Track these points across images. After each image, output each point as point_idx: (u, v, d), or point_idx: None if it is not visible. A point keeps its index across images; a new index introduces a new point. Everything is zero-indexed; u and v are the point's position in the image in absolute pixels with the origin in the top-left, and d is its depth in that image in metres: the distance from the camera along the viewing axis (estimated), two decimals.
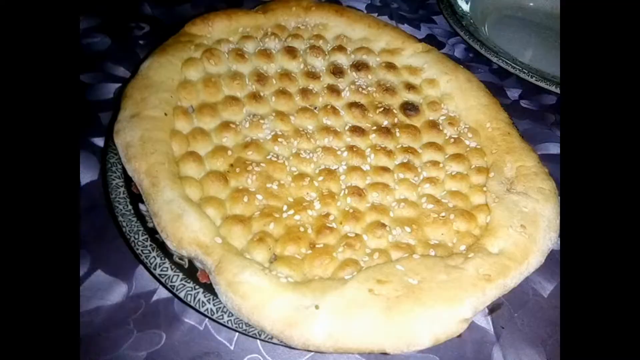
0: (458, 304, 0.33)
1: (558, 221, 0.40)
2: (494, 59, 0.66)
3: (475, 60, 0.75)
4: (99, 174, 0.49)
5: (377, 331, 0.31)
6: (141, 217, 0.38)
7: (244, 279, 0.32)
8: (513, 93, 0.71)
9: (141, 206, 0.39)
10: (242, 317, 0.31)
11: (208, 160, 0.44)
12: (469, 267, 0.36)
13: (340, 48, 0.58)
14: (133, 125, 0.41)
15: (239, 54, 0.53)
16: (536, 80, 0.62)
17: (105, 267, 0.41)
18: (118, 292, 0.40)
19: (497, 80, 0.72)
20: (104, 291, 0.40)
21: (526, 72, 0.63)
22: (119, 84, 0.59)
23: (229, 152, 0.45)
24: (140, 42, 0.66)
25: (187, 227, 0.35)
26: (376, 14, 0.82)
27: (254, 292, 0.32)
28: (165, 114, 0.44)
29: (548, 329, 0.43)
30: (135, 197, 0.39)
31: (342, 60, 0.57)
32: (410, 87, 0.55)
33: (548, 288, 0.46)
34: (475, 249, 0.38)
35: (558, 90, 0.64)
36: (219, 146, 0.45)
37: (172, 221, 0.35)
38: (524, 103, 0.70)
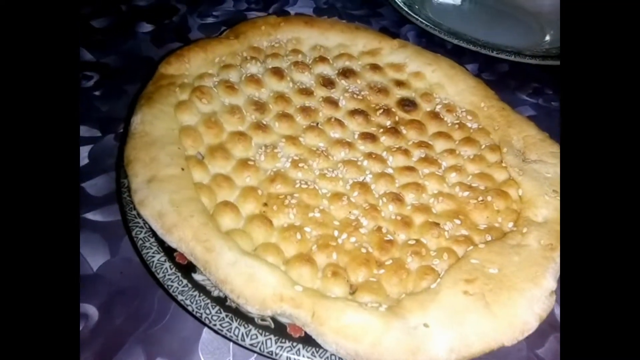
0: (542, 278, 0.35)
1: None
2: (455, 41, 0.69)
3: (430, 44, 0.79)
4: (110, 252, 0.43)
5: (490, 329, 0.31)
6: (201, 289, 0.34)
7: (349, 321, 0.31)
8: (473, 69, 0.76)
9: (195, 276, 0.35)
10: (359, 359, 0.30)
11: (240, 205, 0.41)
12: (530, 242, 0.38)
13: (322, 59, 0.57)
14: (155, 191, 0.37)
15: (229, 86, 0.49)
16: (497, 53, 0.68)
17: (163, 353, 0.37)
18: None
19: (455, 59, 0.77)
20: None
21: (486, 48, 0.68)
22: (90, 145, 0.52)
23: (259, 192, 0.42)
24: (96, 93, 0.59)
25: (266, 285, 0.32)
26: (326, 17, 0.82)
27: (364, 331, 0.30)
28: (182, 169, 0.40)
29: None
30: (184, 268, 0.35)
31: (327, 70, 0.57)
32: (399, 83, 0.56)
33: None
34: (523, 223, 0.41)
35: (512, 58, 0.70)
36: (245, 188, 0.42)
37: (247, 283, 0.32)
38: (485, 76, 0.75)
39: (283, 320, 0.33)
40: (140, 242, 0.36)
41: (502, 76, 0.75)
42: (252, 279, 0.32)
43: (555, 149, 0.47)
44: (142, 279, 0.41)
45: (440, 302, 0.33)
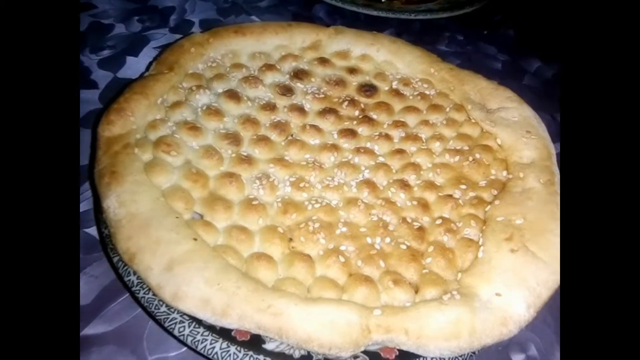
0: (559, 214, 0.39)
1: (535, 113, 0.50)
2: (374, 12, 0.70)
3: (343, 18, 0.79)
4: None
5: (547, 274, 0.35)
6: (281, 356, 0.31)
7: (440, 323, 0.31)
8: (391, 34, 0.78)
9: (267, 346, 0.32)
10: (464, 352, 0.31)
11: (268, 251, 0.37)
12: (532, 184, 0.43)
13: (269, 67, 0.53)
14: (183, 277, 0.31)
15: (191, 127, 0.44)
16: (414, 15, 0.71)
17: None
18: None
19: (374, 29, 0.78)
20: None
21: (404, 12, 0.71)
22: None
23: (279, 229, 0.39)
24: None
25: (350, 325, 0.31)
26: (233, 16, 0.76)
27: (457, 325, 0.31)
28: (195, 239, 0.35)
29: None
30: (251, 344, 0.32)
31: (278, 77, 0.53)
32: (351, 70, 0.56)
33: None
34: (516, 168, 0.45)
35: (428, 17, 0.74)
36: (263, 230, 0.39)
37: (332, 332, 0.30)
38: (404, 38, 0.78)
39: (372, 348, 0.33)
40: (191, 338, 0.31)
41: (419, 34, 0.79)
42: (335, 326, 0.31)
43: (509, 93, 0.52)
44: None
45: (498, 268, 0.35)
